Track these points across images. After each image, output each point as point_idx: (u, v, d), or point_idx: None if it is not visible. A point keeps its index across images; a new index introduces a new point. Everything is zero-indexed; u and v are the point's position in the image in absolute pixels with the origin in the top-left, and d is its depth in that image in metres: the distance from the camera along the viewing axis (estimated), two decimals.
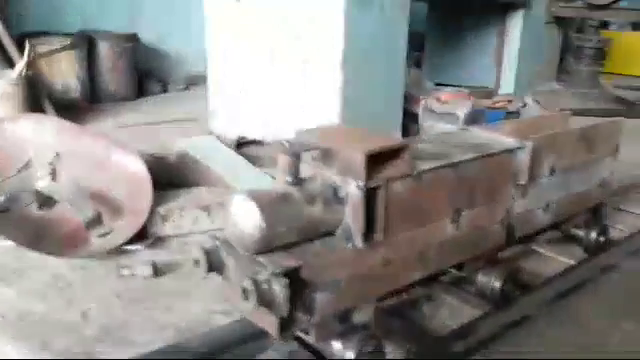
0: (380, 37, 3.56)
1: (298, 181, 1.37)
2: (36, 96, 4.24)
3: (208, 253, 1.38)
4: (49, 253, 2.21)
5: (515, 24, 5.95)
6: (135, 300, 1.98)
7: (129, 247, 2.33)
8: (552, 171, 1.98)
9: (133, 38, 5.60)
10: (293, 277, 1.29)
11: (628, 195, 3.18)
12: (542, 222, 2.03)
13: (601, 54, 6.58)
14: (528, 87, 6.19)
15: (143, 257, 2.26)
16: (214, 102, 3.97)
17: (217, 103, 3.94)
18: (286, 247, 1.36)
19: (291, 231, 1.33)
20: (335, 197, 1.40)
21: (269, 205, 1.29)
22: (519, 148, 1.79)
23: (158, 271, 2.16)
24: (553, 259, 2.35)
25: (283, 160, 1.34)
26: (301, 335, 1.50)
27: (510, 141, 1.80)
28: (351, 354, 1.43)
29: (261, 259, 1.30)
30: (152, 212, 2.43)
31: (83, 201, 2.38)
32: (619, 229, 2.68)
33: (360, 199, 1.36)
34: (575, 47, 6.60)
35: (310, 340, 1.47)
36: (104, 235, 2.32)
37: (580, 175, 2.15)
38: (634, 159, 3.75)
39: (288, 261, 1.30)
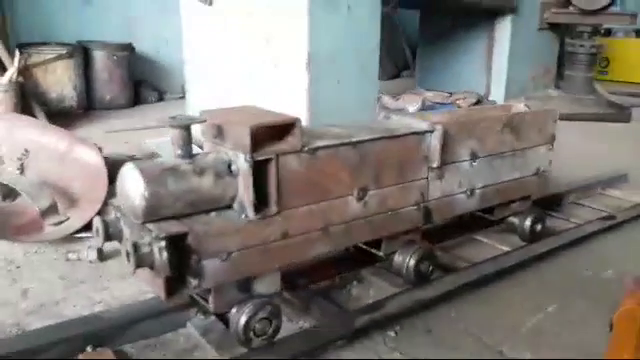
0: (349, 37, 3.65)
1: (189, 155, 1.46)
2: (27, 103, 4.44)
3: (107, 223, 1.47)
4: (4, 238, 2.34)
5: (504, 30, 6.00)
6: (76, 281, 2.09)
7: (82, 235, 2.44)
8: (473, 156, 2.03)
9: (128, 48, 5.81)
10: (178, 243, 1.39)
11: (591, 191, 3.19)
12: (465, 207, 2.08)
13: (594, 60, 6.55)
14: (521, 93, 6.22)
15: (92, 244, 2.36)
16: (192, 104, 4.11)
17: (195, 104, 4.08)
18: (179, 217, 1.45)
19: (180, 202, 1.42)
20: (228, 171, 1.49)
21: (155, 175, 1.39)
22: (428, 131, 1.85)
23: (103, 256, 2.26)
24: (492, 247, 2.39)
25: (173, 133, 1.44)
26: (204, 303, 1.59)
27: (421, 125, 1.86)
28: (244, 318, 1.51)
29: (150, 226, 1.40)
30: (106, 203, 2.54)
31: (40, 192, 2.52)
32: (573, 222, 2.70)
33: (248, 171, 1.45)
34: (569, 53, 6.58)
35: (209, 308, 1.55)
36: (59, 223, 2.45)
37: (510, 163, 2.20)
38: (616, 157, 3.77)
39: (174, 228, 1.39)
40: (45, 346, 1.56)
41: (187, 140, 1.46)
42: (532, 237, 2.34)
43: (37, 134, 2.87)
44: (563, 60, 7.06)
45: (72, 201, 2.57)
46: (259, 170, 1.48)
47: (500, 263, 2.13)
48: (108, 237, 1.47)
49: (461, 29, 6.23)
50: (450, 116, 2.07)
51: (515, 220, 2.35)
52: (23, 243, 2.35)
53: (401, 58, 8.17)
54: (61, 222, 2.45)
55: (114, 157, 2.93)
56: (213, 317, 1.77)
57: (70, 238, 2.41)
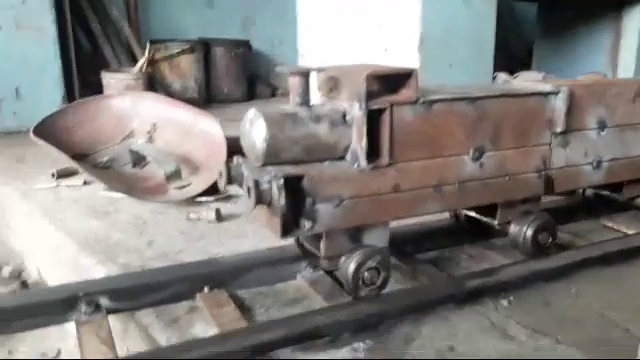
0: (463, 22, 3.57)
1: (307, 103, 1.51)
2: (155, 91, 4.83)
3: (229, 167, 1.56)
4: (134, 197, 2.56)
5: (633, 22, 5.52)
6: (195, 237, 2.23)
7: (202, 199, 2.61)
8: (601, 125, 1.90)
9: (245, 44, 6.12)
10: (295, 185, 1.43)
11: None
12: (591, 180, 1.94)
13: None
14: None
15: (212, 207, 2.51)
16: None
17: None
18: (296, 164, 1.50)
19: (297, 146, 1.47)
20: (343, 120, 1.52)
21: (275, 120, 1.45)
22: (553, 93, 1.75)
23: (221, 217, 2.39)
24: (619, 233, 2.20)
25: (293, 82, 1.49)
26: (311, 249, 1.62)
27: (545, 86, 1.77)
28: (353, 265, 1.52)
29: (269, 168, 1.46)
30: None
31: (166, 159, 2.73)
32: None
33: (362, 120, 1.46)
34: None
35: (320, 254, 1.58)
36: (182, 187, 2.64)
37: None
38: None
39: (292, 170, 1.44)
40: (164, 283, 1.67)
41: (305, 89, 1.50)
42: None
43: (165, 109, 3.12)
44: None
45: (195, 168, 2.75)
46: (373, 120, 1.49)
47: (626, 243, 1.96)
48: (230, 180, 1.55)
49: (583, 22, 5.83)
50: (577, 82, 1.93)
51: None
52: (150, 203, 2.55)
53: (514, 53, 7.80)
54: (184, 186, 2.63)
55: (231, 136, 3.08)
56: (322, 272, 1.81)
57: (192, 201, 2.59)
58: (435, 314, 1.62)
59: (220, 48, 6.01)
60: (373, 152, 1.51)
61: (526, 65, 7.21)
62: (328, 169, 1.49)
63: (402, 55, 3.47)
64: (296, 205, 1.45)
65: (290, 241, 1.81)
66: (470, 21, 3.60)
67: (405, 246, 1.98)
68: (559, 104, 1.76)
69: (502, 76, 2.19)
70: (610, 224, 2.28)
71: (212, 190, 2.64)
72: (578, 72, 5.73)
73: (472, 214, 1.95)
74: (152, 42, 5.21)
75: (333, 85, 1.59)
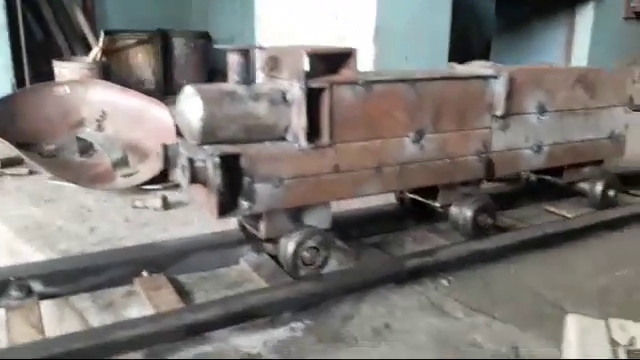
0: (418, 15, 3.61)
1: (246, 81, 1.49)
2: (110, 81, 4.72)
3: (166, 147, 1.53)
4: (80, 185, 2.49)
5: (585, 19, 5.69)
6: (140, 223, 2.19)
7: (150, 187, 2.56)
8: (541, 110, 1.94)
9: (205, 36, 6.04)
10: (232, 164, 1.42)
11: None
12: (531, 163, 1.99)
13: None
14: None
15: (159, 195, 2.47)
16: None
17: None
18: (235, 143, 1.48)
19: (235, 125, 1.45)
20: (283, 100, 1.51)
21: (212, 97, 1.43)
22: (493, 77, 1.79)
23: (168, 204, 2.35)
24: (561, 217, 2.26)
25: (232, 60, 1.48)
26: (253, 231, 1.61)
27: (486, 70, 1.80)
28: (292, 244, 1.51)
29: (206, 147, 1.44)
30: None
31: (113, 146, 2.67)
32: None
33: (302, 99, 1.46)
34: None
35: (260, 235, 1.57)
36: (129, 175, 2.58)
37: (582, 122, 2.08)
38: None
39: (228, 148, 1.43)
40: (101, 267, 1.63)
41: (245, 67, 1.49)
42: (603, 204, 2.20)
43: (114, 97, 3.05)
44: None
45: (143, 156, 2.70)
46: (313, 100, 1.49)
47: (564, 225, 2.01)
48: (167, 161, 1.52)
49: (539, 17, 5.98)
50: (518, 67, 1.97)
51: (585, 185, 2.21)
52: (96, 190, 2.49)
53: (471, 48, 7.93)
54: (131, 174, 2.58)
55: None
56: (266, 256, 1.80)
57: (139, 189, 2.53)
58: (375, 293, 1.63)
59: (179, 39, 5.92)
60: (314, 132, 1.51)
61: (485, 59, 7.32)
62: (267, 148, 1.48)
63: (358, 46, 3.47)
64: (234, 185, 1.44)
65: (234, 226, 1.80)
66: (426, 13, 3.63)
67: (350, 230, 1.99)
68: (499, 88, 1.80)
69: (452, 65, 2.22)
70: (552, 209, 2.34)
71: (160, 178, 2.59)
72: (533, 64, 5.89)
73: (416, 197, 1.97)
74: (108, 32, 5.09)
75: (274, 64, 1.58)
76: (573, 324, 1.31)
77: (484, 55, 6.84)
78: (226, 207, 1.44)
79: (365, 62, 3.43)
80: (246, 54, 1.48)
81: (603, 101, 2.11)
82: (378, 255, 1.84)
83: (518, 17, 6.11)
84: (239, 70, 1.48)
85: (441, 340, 1.42)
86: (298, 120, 1.49)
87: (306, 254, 1.53)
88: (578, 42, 5.76)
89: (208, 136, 1.44)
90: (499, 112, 1.82)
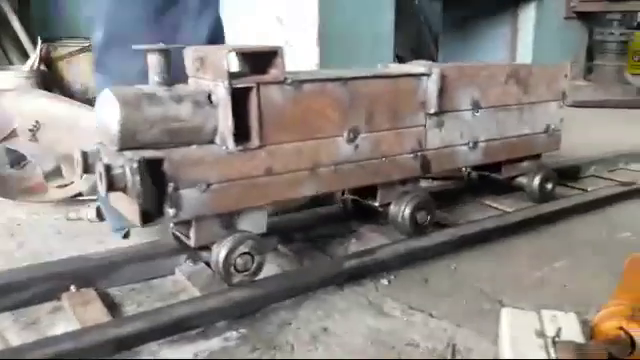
0: (361, 19, 3.62)
1: (167, 82, 1.44)
2: (51, 91, 4.54)
3: (86, 153, 1.45)
4: (10, 198, 2.37)
5: (527, 18, 5.85)
6: (73, 236, 2.09)
7: (85, 197, 2.45)
8: (475, 106, 1.95)
9: None
10: (155, 170, 1.36)
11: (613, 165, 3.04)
12: (467, 159, 2.00)
13: (624, 49, 6.33)
14: None
15: (94, 205, 2.37)
16: None
17: None
18: (158, 148, 1.42)
19: (156, 128, 1.39)
20: (208, 101, 1.46)
21: (130, 99, 1.37)
22: (425, 75, 1.78)
23: (103, 215, 2.26)
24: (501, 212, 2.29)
25: (151, 60, 1.42)
26: (184, 240, 1.55)
27: (418, 68, 1.80)
28: (224, 251, 1.46)
29: (126, 152, 1.37)
30: None
31: (45, 157, 2.55)
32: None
33: (227, 99, 1.41)
34: (598, 42, 6.39)
35: (190, 243, 1.51)
36: (63, 186, 2.47)
37: (517, 118, 2.11)
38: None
39: (149, 153, 1.36)
40: (24, 283, 1.54)
41: (165, 67, 1.43)
42: (542, 197, 2.23)
43: (48, 106, 2.91)
44: (592, 51, 6.87)
45: None
46: (240, 101, 1.44)
47: (503, 220, 2.03)
48: (87, 168, 1.45)
49: (484, 17, 6.10)
50: (451, 64, 1.98)
51: (523, 179, 2.25)
52: (27, 204, 2.37)
53: (423, 48, 8.04)
54: (65, 185, 2.46)
55: None
56: (202, 264, 1.74)
57: (74, 200, 2.43)
58: (314, 297, 1.60)
59: None
60: (243, 134, 1.47)
61: (431, 58, 7.44)
62: (192, 152, 1.43)
63: (303, 50, 3.46)
64: (158, 191, 1.38)
65: (168, 235, 1.74)
66: (368, 15, 3.65)
67: (294, 234, 1.96)
68: (431, 85, 1.80)
69: (386, 64, 2.21)
70: (494, 204, 2.37)
71: (95, 189, 2.49)
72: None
73: (356, 198, 1.95)
74: (47, 39, 4.90)
75: (199, 64, 1.52)
76: (506, 317, 1.31)
77: (435, 56, 6.96)
78: (150, 215, 1.38)
79: (311, 65, 3.41)
80: (166, 54, 1.43)
81: (537, 96, 2.14)
82: (320, 257, 1.81)
83: (464, 17, 6.23)
84: (159, 71, 1.42)
85: (378, 341, 1.40)
86: (224, 122, 1.44)
87: (239, 260, 1.48)
88: (522, 41, 5.91)
89: (127, 141, 1.37)
90: (432, 109, 1.82)
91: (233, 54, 1.43)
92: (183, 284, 1.68)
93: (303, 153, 1.59)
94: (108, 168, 1.30)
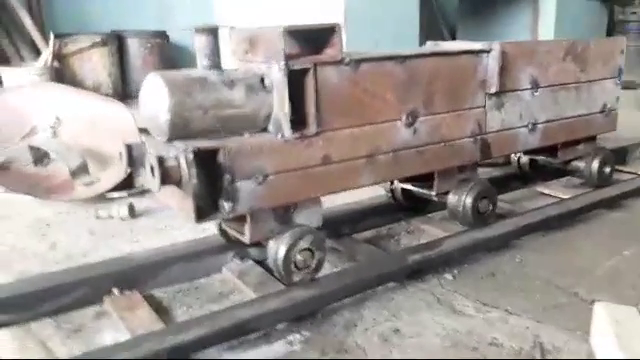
0: (386, 2, 3.49)
1: (217, 66, 1.31)
2: None
3: (131, 146, 1.33)
4: (37, 197, 2.26)
5: (549, 0, 5.67)
6: (106, 235, 1.98)
7: (114, 194, 2.34)
8: (535, 85, 1.82)
9: (162, 35, 5.77)
10: (209, 161, 1.24)
11: None
12: (527, 143, 1.86)
13: None
14: None
15: (125, 202, 2.25)
16: None
17: None
18: (210, 136, 1.30)
19: (209, 116, 1.27)
20: (261, 85, 1.33)
21: (181, 85, 1.24)
22: (484, 51, 1.65)
23: (135, 212, 2.15)
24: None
25: (199, 42, 1.29)
26: (236, 236, 1.43)
27: (476, 44, 1.67)
28: (283, 249, 1.34)
29: (177, 143, 1.25)
30: None
31: (70, 153, 2.43)
32: None
33: (283, 82, 1.29)
34: (619, 22, 6.21)
35: (244, 240, 1.39)
36: (90, 183, 2.35)
37: (575, 97, 1.97)
38: None
39: (203, 143, 1.24)
40: (64, 288, 1.43)
41: (214, 49, 1.31)
42: (600, 181, 2.10)
43: (68, 100, 2.80)
44: (612, 31, 6.68)
45: (104, 162, 2.47)
46: (296, 83, 1.32)
47: (564, 207, 1.90)
48: (132, 162, 1.33)
49: (502, 2, 5.93)
50: (510, 41, 1.84)
51: (580, 163, 2.11)
52: (54, 202, 2.26)
53: (436, 36, 7.88)
54: (92, 182, 2.34)
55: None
56: (250, 262, 1.62)
57: (102, 198, 2.32)
58: (377, 295, 1.48)
59: (135, 40, 5.63)
60: (298, 120, 1.34)
61: None
62: (247, 141, 1.30)
63: None
64: (212, 184, 1.26)
65: (213, 231, 1.62)
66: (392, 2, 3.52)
67: (341, 227, 1.84)
68: (492, 63, 1.66)
69: (437, 43, 2.08)
70: (546, 191, 2.24)
71: (125, 184, 2.37)
72: None
73: (408, 187, 1.82)
74: (58, 35, 4.78)
75: (248, 46, 1.40)
76: (603, 314, 1.19)
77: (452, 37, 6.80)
78: (205, 210, 1.26)
79: None
80: (215, 34, 1.30)
81: (594, 74, 2.01)
82: (374, 252, 1.69)
83: (482, 2, 6.06)
84: (209, 53, 1.30)
85: (457, 341, 1.28)
86: (280, 107, 1.32)
87: (299, 257, 1.36)
88: (543, 24, 5.73)
89: (178, 130, 1.25)
90: (493, 89, 1.69)
91: (287, 33, 1.29)
92: (233, 284, 1.56)
93: (361, 139, 1.46)
94: (161, 160, 1.18)
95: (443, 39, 7.11)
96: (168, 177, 1.19)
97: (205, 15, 5.99)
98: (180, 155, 1.19)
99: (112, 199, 2.32)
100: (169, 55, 5.90)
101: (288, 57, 1.29)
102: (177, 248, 1.64)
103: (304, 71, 1.32)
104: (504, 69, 1.69)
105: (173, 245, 1.67)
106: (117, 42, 5.43)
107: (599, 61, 2.02)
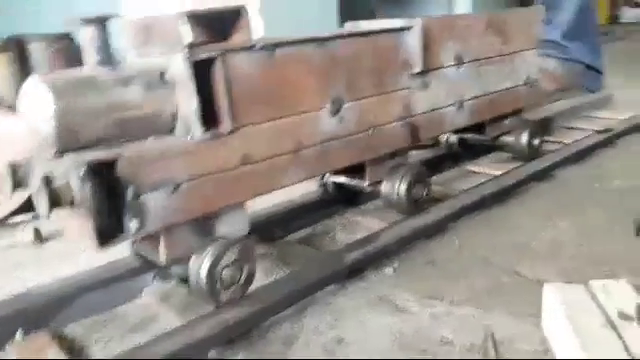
0: None
1: (108, 62, 1.13)
2: None
3: (14, 166, 1.13)
4: None
5: None
6: (10, 266, 1.73)
7: (16, 219, 2.08)
8: (459, 61, 1.75)
9: (66, 37, 5.35)
10: (107, 174, 1.06)
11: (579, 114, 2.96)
12: (455, 122, 1.80)
13: None
14: None
15: (29, 226, 2.01)
16: None
17: None
18: (106, 145, 1.12)
19: (102, 121, 1.09)
20: (161, 80, 1.16)
21: (66, 88, 1.06)
22: (405, 29, 1.56)
23: (41, 237, 1.91)
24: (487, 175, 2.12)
25: (86, 34, 1.11)
26: (150, 256, 1.27)
27: (395, 22, 1.57)
28: (205, 266, 1.19)
29: (67, 156, 1.07)
30: None
31: None
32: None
33: (188, 74, 1.13)
34: None
35: (159, 261, 1.23)
36: None
37: (498, 70, 1.93)
38: None
39: (96, 154, 1.06)
40: None
41: (105, 43, 1.13)
42: (530, 155, 2.08)
43: None
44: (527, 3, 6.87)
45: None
46: (202, 76, 1.16)
47: (500, 183, 1.86)
48: (18, 183, 1.13)
49: None
50: (431, 16, 1.76)
51: (509, 138, 2.09)
52: None
53: (358, 10, 7.82)
54: None
55: None
56: (173, 282, 1.46)
57: (2, 224, 2.05)
58: (316, 301, 1.36)
59: (37, 44, 5.19)
60: (209, 117, 1.19)
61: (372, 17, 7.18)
62: (151, 146, 1.14)
63: None
64: (114, 201, 1.08)
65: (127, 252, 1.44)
66: None
67: (273, 230, 1.70)
68: (413, 40, 1.57)
69: (355, 23, 1.97)
70: (476, 168, 2.20)
71: (28, 207, 2.12)
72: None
73: (340, 180, 1.72)
74: None
75: (145, 37, 1.22)
76: (552, 296, 1.13)
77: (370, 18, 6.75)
78: (107, 233, 1.09)
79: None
80: (103, 25, 1.12)
81: (515, 45, 1.97)
82: (310, 254, 1.57)
83: None
84: (98, 47, 1.11)
85: (405, 344, 1.18)
86: (187, 104, 1.15)
87: (226, 273, 1.21)
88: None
89: (67, 140, 1.07)
90: (417, 68, 1.60)
91: (186, 19, 1.14)
92: (155, 308, 1.39)
93: (283, 133, 1.33)
94: (47, 180, 0.99)
95: (359, 15, 7.07)
96: (58, 199, 1.00)
97: (111, 9, 5.59)
98: (71, 171, 1.01)
99: (15, 224, 2.06)
100: (76, 57, 5.49)
101: (192, 46, 1.13)
102: (87, 276, 1.44)
103: (210, 61, 1.17)
104: (427, 46, 1.60)
105: (82, 273, 1.47)
106: (17, 48, 4.99)
107: (519, 32, 1.98)
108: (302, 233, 1.78)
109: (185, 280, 1.41)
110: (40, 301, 1.34)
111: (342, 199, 1.84)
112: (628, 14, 8.55)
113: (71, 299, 1.36)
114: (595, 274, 1.30)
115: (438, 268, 1.51)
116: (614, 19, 8.37)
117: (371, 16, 6.19)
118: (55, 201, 1.00)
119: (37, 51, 5.32)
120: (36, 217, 2.05)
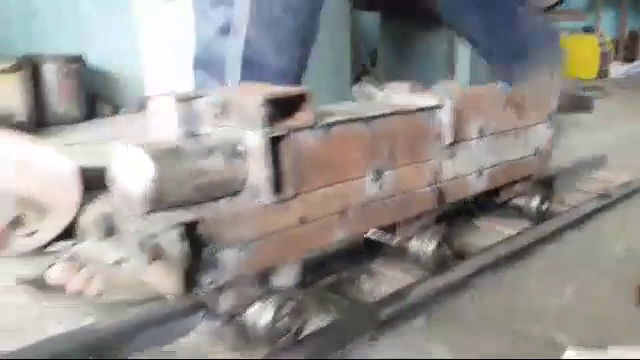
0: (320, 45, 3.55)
1: (191, 134, 1.30)
2: None
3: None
4: None
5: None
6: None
7: (57, 246, 2.20)
8: (481, 134, 1.94)
9: (78, 59, 5.51)
10: (190, 234, 1.21)
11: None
12: (475, 188, 1.98)
13: None
14: None
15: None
16: None
17: None
18: (184, 206, 1.27)
19: (186, 187, 1.25)
20: (235, 152, 1.33)
21: (161, 156, 1.21)
22: (438, 107, 1.75)
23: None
24: (498, 233, 2.30)
25: (171, 106, 1.27)
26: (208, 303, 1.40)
27: (429, 100, 1.75)
28: (268, 316, 1.34)
29: (157, 215, 1.22)
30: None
31: (2, 202, 2.26)
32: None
33: (264, 149, 1.29)
34: None
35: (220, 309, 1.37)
36: (29, 235, 2.20)
37: (513, 142, 2.13)
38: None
39: (186, 215, 1.22)
40: None
41: (191, 117, 1.29)
42: (539, 217, 2.27)
43: None
44: None
45: (39, 211, 2.31)
46: (270, 149, 1.33)
47: (513, 245, 2.04)
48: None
49: (421, 33, 6.18)
50: (456, 92, 1.95)
51: (520, 201, 2.28)
52: None
53: (357, 62, 8.09)
54: (31, 234, 2.20)
55: (86, 167, 2.68)
56: (219, 323, 1.59)
57: (42, 252, 2.17)
58: (348, 353, 1.49)
59: (50, 65, 5.36)
60: (275, 184, 1.35)
61: (366, 72, 7.48)
62: (227, 209, 1.29)
63: None
64: (194, 255, 1.23)
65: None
66: (327, 43, 3.61)
67: (305, 275, 1.84)
68: (445, 116, 1.76)
69: (371, 88, 2.15)
70: (489, 224, 2.37)
71: (67, 234, 2.25)
72: (421, 79, 6.07)
73: (371, 236, 1.88)
74: None
75: (219, 111, 1.39)
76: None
77: (367, 69, 6.98)
78: (189, 282, 1.23)
79: None
80: (190, 103, 1.28)
81: (529, 120, 2.17)
82: (343, 304, 1.71)
83: (402, 33, 6.29)
84: (187, 120, 1.28)
85: None
86: (261, 173, 1.32)
87: (284, 321, 1.36)
88: (459, 56, 6.04)
89: (158, 202, 1.22)
90: (447, 141, 1.79)
91: (266, 102, 1.30)
92: (205, 349, 1.52)
93: (333, 197, 1.50)
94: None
95: (364, 65, 7.37)
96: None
97: (125, 37, 5.78)
98: (168, 230, 1.16)
99: (55, 252, 2.18)
100: (87, 80, 5.65)
101: (265, 124, 1.30)
102: (142, 315, 1.57)
103: (280, 137, 1.33)
104: (456, 122, 1.79)
105: (136, 315, 1.59)
106: (30, 68, 5.12)
107: (534, 107, 2.19)
108: (329, 279, 1.93)
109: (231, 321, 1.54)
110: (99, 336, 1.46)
111: (367, 251, 1.99)
112: (617, 70, 8.94)
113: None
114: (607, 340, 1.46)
115: (465, 323, 1.66)
116: (603, 74, 8.74)
117: (364, 71, 6.40)
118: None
119: (50, 71, 5.51)
120: (76, 242, 2.18)
